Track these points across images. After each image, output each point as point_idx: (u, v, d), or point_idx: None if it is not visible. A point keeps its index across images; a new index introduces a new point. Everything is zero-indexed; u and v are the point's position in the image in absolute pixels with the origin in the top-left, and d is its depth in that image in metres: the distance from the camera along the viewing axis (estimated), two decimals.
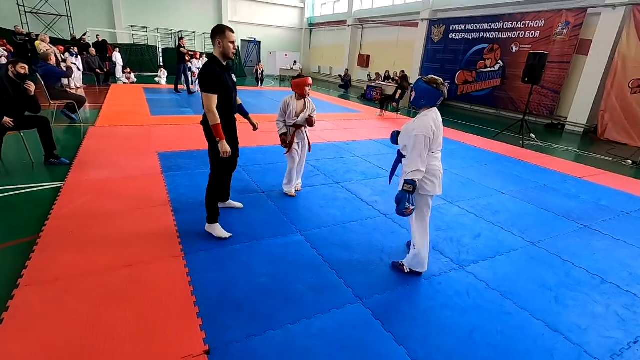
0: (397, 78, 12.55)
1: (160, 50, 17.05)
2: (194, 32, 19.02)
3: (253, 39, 21.34)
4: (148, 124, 6.90)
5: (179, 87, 11.47)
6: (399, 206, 2.30)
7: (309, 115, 3.67)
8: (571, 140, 8.52)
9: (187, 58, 11.30)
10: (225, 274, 2.49)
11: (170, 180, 4.11)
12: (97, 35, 14.26)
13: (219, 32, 2.66)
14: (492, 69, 11.78)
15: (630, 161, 6.66)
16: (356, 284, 2.48)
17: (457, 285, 2.56)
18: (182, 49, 10.77)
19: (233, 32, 2.72)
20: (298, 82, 3.64)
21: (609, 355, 2.00)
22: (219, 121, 2.65)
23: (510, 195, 4.45)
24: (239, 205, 3.55)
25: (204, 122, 2.78)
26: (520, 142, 7.58)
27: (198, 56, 13.30)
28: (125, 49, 16.14)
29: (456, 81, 13.02)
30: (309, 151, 3.95)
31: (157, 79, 13.91)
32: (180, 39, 11.20)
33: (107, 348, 1.79)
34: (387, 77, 14.26)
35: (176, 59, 10.98)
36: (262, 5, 20.90)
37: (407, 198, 2.29)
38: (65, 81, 8.59)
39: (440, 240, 3.18)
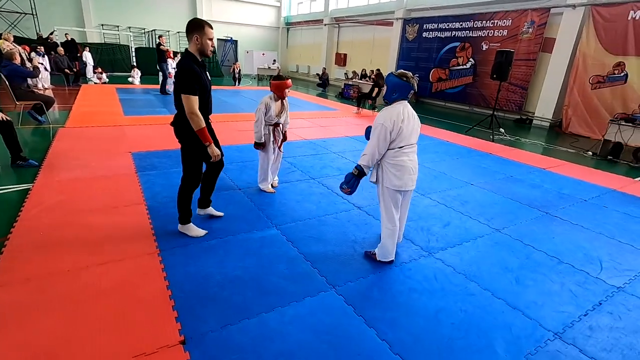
0: (373, 76, 12.76)
1: (133, 50, 16.63)
2: (169, 31, 18.64)
3: (230, 38, 21.13)
4: (121, 124, 6.77)
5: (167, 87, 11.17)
6: (341, 183, 2.60)
7: (284, 131, 3.95)
8: (538, 134, 8.93)
9: (169, 55, 11.10)
10: (201, 268, 2.53)
11: (144, 180, 4.08)
12: (66, 34, 13.77)
13: (197, 27, 2.46)
14: (464, 66, 12.16)
15: (590, 152, 7.06)
16: (330, 273, 2.57)
17: (426, 270, 2.69)
18: (162, 47, 10.56)
19: (212, 28, 2.55)
20: (278, 85, 3.65)
21: (562, 327, 2.17)
22: (204, 124, 2.51)
23: (479, 186, 4.66)
24: (219, 214, 3.36)
25: (177, 123, 2.62)
26: (491, 137, 7.89)
27: (171, 55, 13.05)
28: (95, 49, 15.65)
29: (430, 79, 13.36)
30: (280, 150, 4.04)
31: (130, 79, 13.58)
32: (160, 36, 10.99)
33: (84, 343, 1.80)
34: (363, 76, 14.46)
35: (157, 58, 10.75)
36: (238, 3, 20.72)
37: (348, 179, 2.54)
38: (32, 82, 8.28)
39: (411, 230, 3.31)
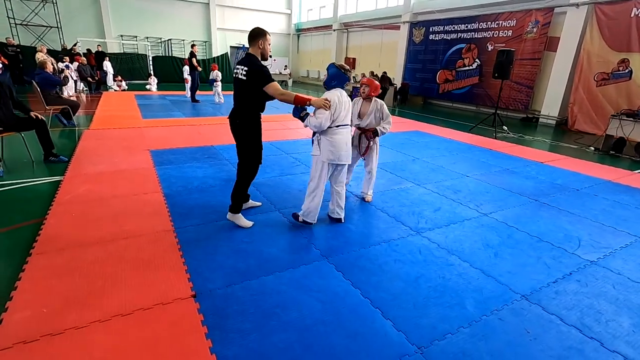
0: (378, 79, 13.05)
1: (150, 58, 17.40)
2: (183, 40, 19.42)
3: (242, 45, 21.78)
4: (140, 126, 7.26)
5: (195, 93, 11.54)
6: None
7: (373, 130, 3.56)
8: (544, 132, 9.03)
9: (186, 62, 11.61)
10: (211, 243, 2.87)
11: (161, 172, 4.48)
12: (98, 45, 14.80)
13: (261, 34, 2.86)
14: (470, 67, 12.33)
15: (592, 148, 7.16)
16: (324, 246, 2.88)
17: (412, 246, 2.97)
18: (194, 59, 10.96)
19: (270, 35, 2.94)
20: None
21: (529, 291, 2.41)
22: (293, 93, 2.87)
23: (474, 177, 4.89)
24: (257, 203, 3.63)
25: (238, 118, 2.91)
26: (493, 134, 8.06)
27: (188, 62, 13.58)
28: (115, 58, 16.47)
29: (437, 80, 13.55)
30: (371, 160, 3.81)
31: (147, 86, 14.26)
32: (193, 46, 11.37)
33: (111, 296, 2.16)
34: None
35: (188, 67, 11.18)
36: (249, 12, 21.39)
37: (295, 109, 2.97)
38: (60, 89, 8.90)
39: (402, 214, 3.58)
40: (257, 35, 2.88)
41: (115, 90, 13.44)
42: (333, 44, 19.62)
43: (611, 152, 6.88)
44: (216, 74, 11.59)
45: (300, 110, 2.94)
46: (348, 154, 3.07)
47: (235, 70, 2.98)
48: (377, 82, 3.57)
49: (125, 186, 3.97)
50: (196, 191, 3.95)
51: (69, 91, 10.86)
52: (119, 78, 14.13)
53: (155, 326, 1.92)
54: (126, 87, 14.02)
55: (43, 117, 4.67)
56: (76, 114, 7.30)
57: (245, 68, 2.82)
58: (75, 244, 2.72)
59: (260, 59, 2.90)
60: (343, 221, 3.31)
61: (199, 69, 11.32)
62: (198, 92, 11.70)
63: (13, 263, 2.47)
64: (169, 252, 2.67)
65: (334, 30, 19.32)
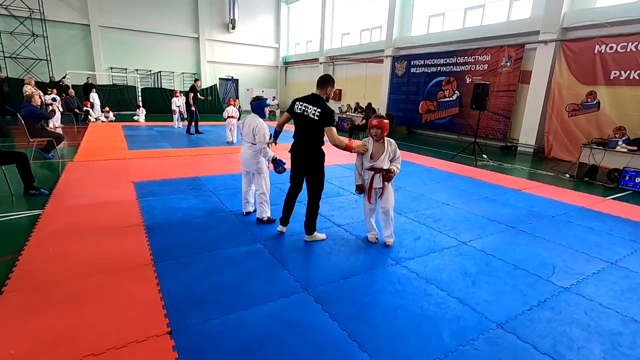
0: (363, 109, 13.46)
1: (140, 90, 17.65)
2: (173, 72, 19.85)
3: (231, 77, 22.35)
4: (125, 157, 7.28)
5: (192, 124, 11.40)
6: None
7: (386, 169, 3.32)
8: (523, 160, 9.37)
9: (176, 94, 11.72)
10: (190, 276, 2.85)
11: (144, 204, 4.47)
12: (88, 78, 15.00)
13: (330, 82, 3.35)
14: (451, 98, 12.87)
15: (567, 175, 7.45)
16: (304, 278, 2.89)
17: (392, 276, 3.00)
18: (199, 94, 10.98)
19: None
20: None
21: (505, 319, 2.45)
22: (345, 140, 3.35)
23: (454, 206, 5.02)
24: (281, 229, 3.89)
25: (308, 151, 3.36)
26: (474, 163, 8.32)
27: (178, 94, 13.69)
28: (104, 89, 16.65)
29: (420, 110, 14.05)
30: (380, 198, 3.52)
31: (135, 117, 14.37)
32: (196, 80, 11.35)
33: (87, 330, 2.12)
34: (356, 109, 15.21)
35: (189, 101, 10.93)
36: (238, 46, 22.12)
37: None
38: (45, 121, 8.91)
39: (384, 244, 3.63)
40: (327, 82, 3.34)
41: (102, 122, 13.49)
42: (320, 75, 20.24)
43: (585, 178, 7.15)
44: (232, 111, 10.12)
45: (276, 166, 3.82)
46: (242, 163, 4.07)
47: (300, 108, 3.31)
48: (386, 121, 3.36)
49: (106, 219, 3.94)
50: (179, 223, 3.95)
51: (54, 122, 10.87)
52: (107, 109, 14.23)
53: None
54: (114, 118, 14.10)
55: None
56: (59, 146, 7.29)
57: (318, 110, 3.20)
58: (49, 281, 2.67)
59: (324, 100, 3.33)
60: (264, 217, 4.05)
61: (193, 107, 10.87)
62: (184, 124, 11.76)
63: None
64: (147, 287, 2.64)
65: (321, 63, 20.05)
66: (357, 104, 15.47)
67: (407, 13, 14.63)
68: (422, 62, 13.80)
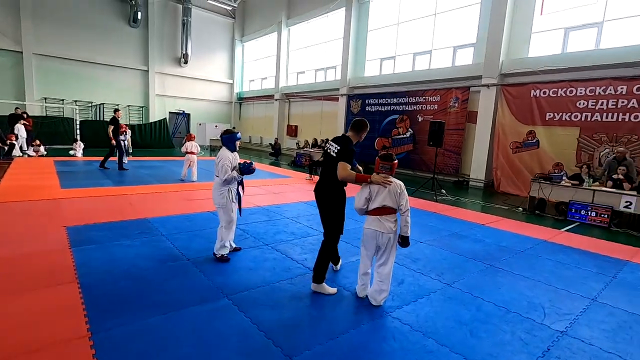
0: (323, 145, 13.49)
1: (78, 123, 16.19)
2: (118, 104, 18.61)
3: (182, 112, 21.54)
4: (56, 197, 6.30)
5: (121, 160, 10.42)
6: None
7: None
8: (475, 194, 9.76)
9: (124, 129, 10.79)
10: (140, 351, 2.25)
11: (79, 255, 3.71)
12: (17, 108, 13.12)
13: (365, 128, 3.31)
14: (404, 135, 13.39)
15: (521, 208, 7.80)
16: (285, 342, 2.42)
17: (384, 331, 2.65)
18: (112, 127, 10.04)
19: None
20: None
21: None
22: (354, 173, 3.04)
23: (427, 243, 4.87)
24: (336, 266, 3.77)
25: (325, 189, 3.19)
26: (434, 197, 8.47)
27: (124, 128, 12.63)
28: (36, 122, 14.99)
29: (376, 146, 14.41)
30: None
31: (71, 152, 12.99)
32: (116, 110, 10.58)
33: None
34: (314, 145, 15.23)
35: (111, 132, 10.00)
36: (190, 80, 21.58)
37: (245, 169, 3.81)
38: None
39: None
40: (362, 127, 3.30)
41: (29, 156, 11.96)
42: (275, 111, 20.30)
43: (536, 211, 7.53)
44: (192, 146, 9.12)
45: (245, 172, 3.75)
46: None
47: (326, 146, 3.27)
48: (396, 161, 3.07)
49: (27, 277, 3.16)
50: (124, 278, 3.28)
51: None
52: (37, 142, 12.72)
53: None
54: (45, 153, 12.61)
55: None
56: None
57: (339, 147, 3.10)
58: None
59: (353, 142, 3.22)
60: (217, 254, 3.82)
61: (113, 142, 10.01)
62: (130, 159, 10.81)
63: None
64: None
65: (276, 100, 20.14)
66: (315, 139, 15.52)
67: (360, 55, 15.37)
68: (376, 100, 14.37)
